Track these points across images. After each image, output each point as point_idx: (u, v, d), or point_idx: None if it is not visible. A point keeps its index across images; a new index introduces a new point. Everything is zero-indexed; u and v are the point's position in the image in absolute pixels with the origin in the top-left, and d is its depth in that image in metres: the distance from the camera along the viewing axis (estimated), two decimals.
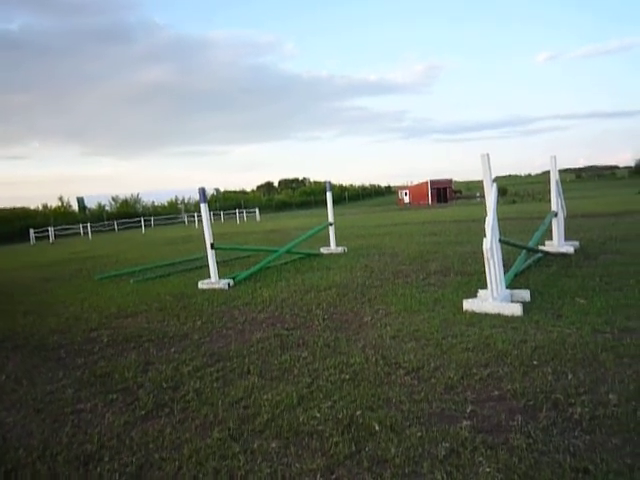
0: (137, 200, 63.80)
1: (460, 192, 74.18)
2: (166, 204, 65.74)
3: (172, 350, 4.54)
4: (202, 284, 7.69)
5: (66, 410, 3.37)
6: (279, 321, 5.27)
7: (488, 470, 2.27)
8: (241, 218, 45.79)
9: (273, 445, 2.65)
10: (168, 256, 13.04)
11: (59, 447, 2.84)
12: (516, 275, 6.12)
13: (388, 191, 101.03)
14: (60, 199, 58.39)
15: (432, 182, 68.05)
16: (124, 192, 63.75)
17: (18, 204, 55.73)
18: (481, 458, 2.37)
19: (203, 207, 7.86)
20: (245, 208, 51.65)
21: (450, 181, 73.75)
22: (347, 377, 3.51)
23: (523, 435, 2.54)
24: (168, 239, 23.01)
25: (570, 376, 3.20)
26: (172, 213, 57.29)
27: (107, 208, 58.54)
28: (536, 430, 2.58)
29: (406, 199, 69.56)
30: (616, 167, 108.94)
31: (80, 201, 59.68)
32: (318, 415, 2.95)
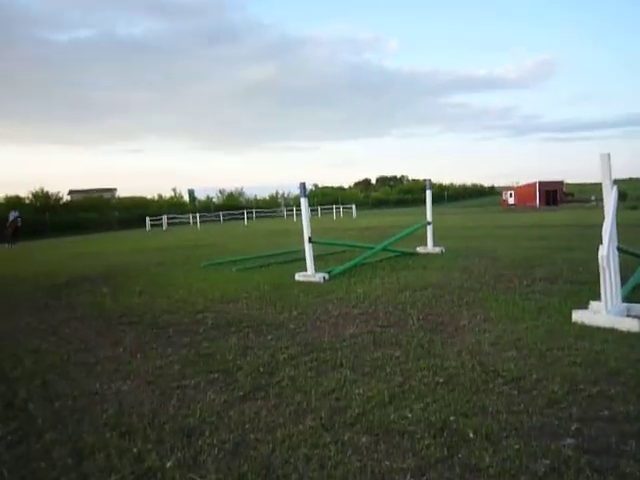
0: (241, 193, 67.15)
1: (572, 195, 68.88)
2: (267, 197, 68.48)
3: (269, 337, 4.73)
4: (299, 276, 7.91)
5: (172, 384, 3.65)
6: (372, 318, 5.28)
7: None
8: (337, 214, 46.33)
9: (363, 440, 2.67)
10: (268, 247, 13.58)
11: (166, 417, 3.09)
12: (635, 288, 5.57)
13: (491, 191, 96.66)
14: (173, 190, 63.22)
15: (541, 183, 63.97)
16: (230, 185, 67.41)
17: (137, 194, 61.23)
18: None
19: (303, 201, 8.07)
20: (342, 204, 52.16)
21: (561, 183, 68.86)
22: (441, 380, 3.43)
23: (637, 463, 2.32)
24: (268, 231, 23.98)
25: None
26: (272, 206, 59.60)
27: (214, 200, 62.28)
28: None
29: (511, 200, 66.03)
30: None
31: (191, 193, 64.19)
32: (409, 415, 2.91)
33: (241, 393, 3.41)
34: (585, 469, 2.29)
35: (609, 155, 4.89)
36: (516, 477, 2.26)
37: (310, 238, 7.98)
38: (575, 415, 2.82)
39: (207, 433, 2.84)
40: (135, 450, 2.68)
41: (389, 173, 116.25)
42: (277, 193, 69.62)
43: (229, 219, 47.11)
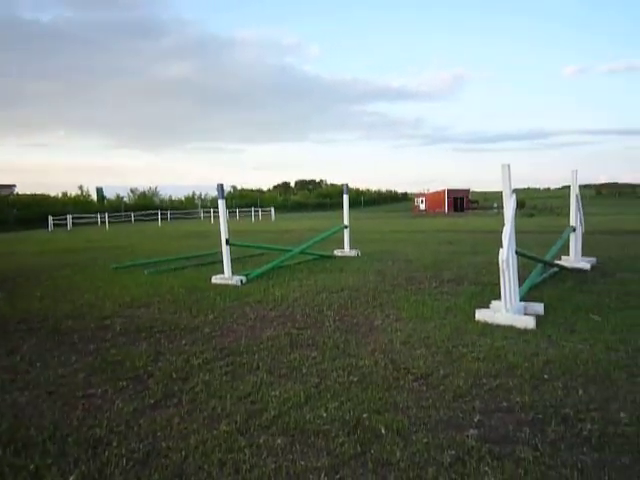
0: (155, 193, 64.53)
1: (477, 202, 73.62)
2: (183, 199, 66.38)
3: (183, 342, 4.58)
4: (215, 279, 7.75)
5: (77, 394, 3.42)
6: (290, 320, 5.29)
7: None
8: (256, 217, 46.01)
9: (279, 441, 2.66)
10: (183, 250, 13.16)
11: (69, 429, 2.88)
12: (531, 288, 6.07)
13: (404, 197, 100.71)
14: (80, 188, 59.26)
15: (449, 191, 67.73)
16: (143, 184, 64.54)
17: (40, 191, 56.67)
18: (487, 468, 2.35)
19: (221, 203, 7.93)
20: (261, 207, 51.87)
21: (467, 191, 73.35)
22: (355, 379, 3.51)
23: (530, 448, 2.52)
24: (183, 233, 23.22)
25: (581, 392, 3.17)
26: (189, 208, 57.79)
27: (125, 199, 59.25)
28: (544, 444, 2.56)
29: (422, 206, 69.28)
30: (638, 185, 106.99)
31: (99, 191, 60.47)
32: (325, 415, 2.96)
33: (152, 400, 3.27)
34: (486, 457, 2.45)
35: (509, 166, 5.29)
36: (424, 469, 2.37)
37: (227, 240, 7.84)
38: (478, 407, 3.01)
39: (115, 443, 2.69)
40: (32, 467, 2.48)
41: (308, 177, 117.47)
42: (194, 194, 67.76)
43: (142, 220, 45.03)
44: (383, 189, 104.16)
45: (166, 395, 3.35)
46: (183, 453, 2.57)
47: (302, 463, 2.44)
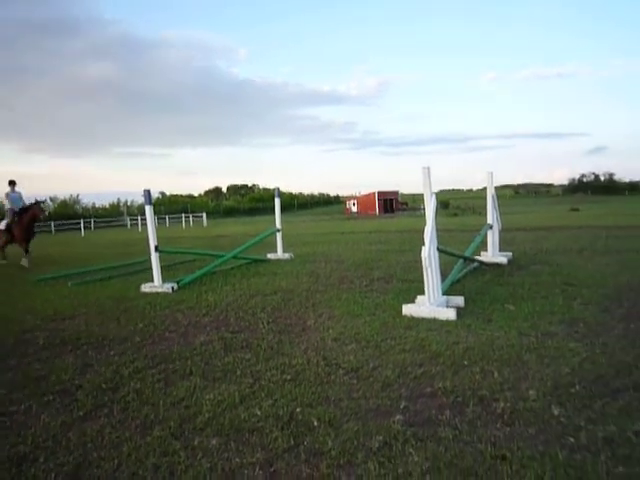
0: (76, 201, 61.36)
1: (406, 204, 76.20)
2: (107, 206, 63.53)
3: (112, 353, 4.46)
4: (145, 288, 7.56)
5: None
6: (223, 324, 5.29)
7: (417, 459, 2.43)
8: (187, 223, 44.93)
9: (214, 442, 2.70)
10: (109, 259, 12.65)
11: None
12: (453, 283, 6.44)
13: (337, 200, 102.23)
14: None
15: (379, 193, 69.65)
16: (63, 192, 61.09)
17: None
18: (411, 449, 2.53)
19: (148, 209, 7.74)
20: (192, 213, 50.71)
21: (397, 193, 75.75)
22: (289, 377, 3.61)
23: (450, 428, 2.73)
24: (109, 242, 22.25)
25: (496, 374, 3.45)
26: (114, 215, 55.38)
27: None
28: (462, 423, 2.78)
29: (354, 209, 70.72)
30: (551, 185, 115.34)
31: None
32: (259, 413, 3.02)
33: (81, 413, 3.18)
34: (410, 439, 2.63)
35: (429, 168, 5.61)
36: (354, 455, 2.50)
37: (157, 247, 7.67)
38: (404, 394, 3.20)
39: (41, 459, 2.61)
40: None
41: (240, 182, 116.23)
42: (119, 201, 65.03)
43: (63, 230, 42.61)
44: (316, 192, 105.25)
45: (96, 406, 3.27)
46: (116, 461, 2.54)
47: (237, 460, 2.50)
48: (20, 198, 12.26)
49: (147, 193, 7.84)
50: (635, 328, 4.44)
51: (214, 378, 3.68)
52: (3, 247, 12.60)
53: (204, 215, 47.05)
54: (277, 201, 11.47)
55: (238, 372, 3.78)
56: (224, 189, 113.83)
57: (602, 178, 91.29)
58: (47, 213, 14.03)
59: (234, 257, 9.80)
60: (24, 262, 11.78)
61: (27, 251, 11.94)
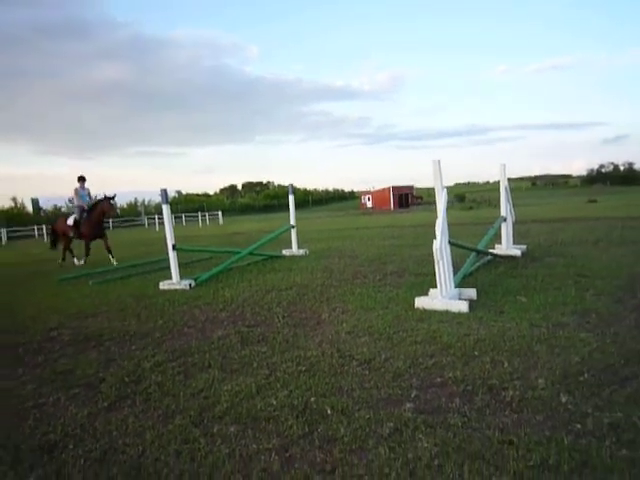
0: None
1: (421, 198, 75.76)
2: (125, 206, 64.38)
3: (133, 347, 4.63)
4: (163, 285, 7.74)
5: (27, 405, 3.44)
6: (240, 319, 5.44)
7: (426, 445, 2.53)
8: (203, 221, 45.37)
9: (232, 429, 2.83)
10: (129, 258, 12.92)
11: (22, 437, 2.93)
12: (465, 275, 6.49)
13: (351, 196, 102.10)
14: (13, 200, 56.32)
15: (394, 188, 69.33)
16: None
17: None
18: (421, 435, 2.63)
19: (165, 208, 7.92)
20: (208, 211, 51.17)
21: (412, 187, 75.32)
22: (304, 369, 3.72)
23: (459, 415, 2.82)
24: (128, 241, 22.63)
25: (506, 364, 3.52)
26: (132, 215, 56.15)
27: (63, 210, 56.79)
28: (471, 411, 2.87)
29: (369, 204, 70.56)
30: (569, 176, 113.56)
31: (35, 202, 57.71)
32: (275, 403, 3.15)
33: (106, 404, 3.34)
34: (421, 426, 2.72)
35: (439, 162, 5.66)
36: (366, 441, 2.61)
37: (174, 246, 7.85)
38: (415, 384, 3.30)
39: (71, 446, 2.77)
40: None
41: (255, 179, 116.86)
42: (136, 201, 65.88)
43: None
44: (330, 188, 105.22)
45: (119, 397, 3.43)
46: (140, 448, 2.69)
47: (254, 446, 2.62)
48: (88, 195, 12.16)
49: (164, 192, 8.02)
50: None
51: (231, 370, 3.82)
52: (67, 246, 12.60)
53: (220, 213, 47.44)
54: (291, 198, 11.59)
55: (254, 364, 3.91)
56: (239, 187, 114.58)
57: (621, 168, 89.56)
58: (118, 211, 13.86)
59: (250, 254, 9.95)
60: (79, 262, 11.99)
61: (88, 251, 11.85)
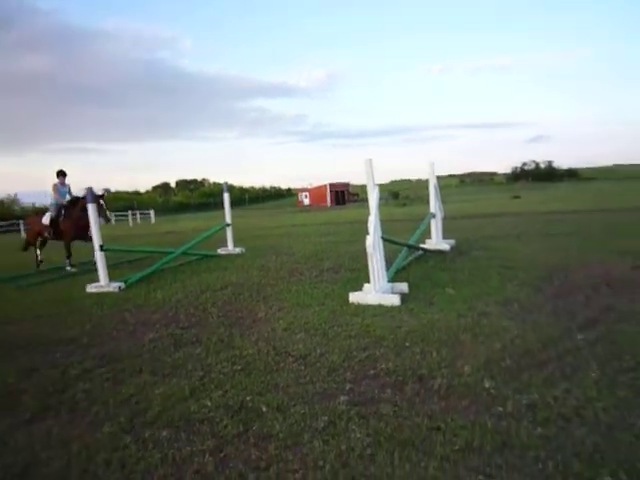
0: (15, 201, 58.25)
1: (357, 195, 76.99)
2: (48, 206, 60.65)
3: (58, 355, 4.40)
4: (91, 288, 7.40)
5: None
6: (173, 321, 5.30)
7: (359, 435, 2.60)
8: (134, 220, 43.68)
9: (164, 433, 2.77)
10: (56, 261, 12.20)
11: None
12: (398, 270, 6.70)
13: (289, 193, 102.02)
14: None
15: (331, 185, 70.06)
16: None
17: None
18: (354, 426, 2.69)
19: (91, 208, 7.57)
20: (139, 210, 49.29)
21: (348, 184, 76.43)
22: (239, 368, 3.70)
23: (391, 405, 2.92)
24: (51, 243, 21.35)
25: (435, 354, 3.68)
26: None
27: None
28: (402, 400, 2.97)
29: (306, 201, 70.86)
30: (495, 173, 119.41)
31: None
32: (209, 404, 3.11)
33: (27, 415, 3.15)
34: (354, 418, 2.79)
35: (371, 160, 5.80)
36: (301, 436, 2.64)
37: (102, 246, 7.52)
38: (349, 377, 3.37)
39: None
40: None
41: (190, 176, 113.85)
42: None
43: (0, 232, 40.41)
44: (267, 186, 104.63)
45: (43, 408, 3.25)
46: (65, 459, 2.57)
47: (188, 449, 2.58)
48: (69, 191, 10.62)
49: (89, 191, 7.65)
50: (563, 305, 4.81)
51: (164, 374, 3.72)
52: (41, 246, 11.00)
53: (152, 212, 45.83)
54: (226, 196, 11.43)
55: (188, 366, 3.83)
56: (173, 184, 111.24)
57: (542, 166, 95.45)
58: (109, 215, 10.64)
59: (183, 253, 9.72)
60: (71, 268, 10.21)
61: (70, 254, 10.36)
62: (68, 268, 10.20)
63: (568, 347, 3.63)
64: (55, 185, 10.55)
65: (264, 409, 2.96)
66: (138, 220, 44.33)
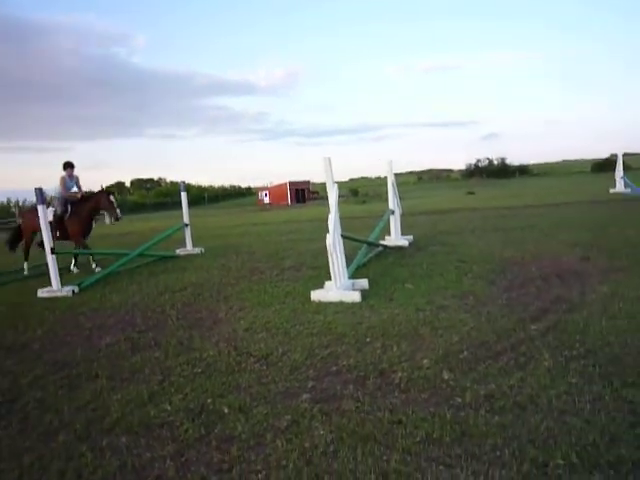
0: None
1: (317, 193, 77.08)
2: None
3: (8, 362, 4.21)
4: (42, 292, 7.10)
5: None
6: (130, 325, 5.16)
7: (322, 432, 2.60)
8: None
9: (123, 440, 2.69)
10: (6, 264, 11.65)
11: None
12: (358, 267, 6.75)
13: (249, 192, 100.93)
14: None
15: (291, 183, 69.86)
16: None
17: None
18: (317, 424, 2.70)
19: (41, 209, 7.25)
20: None
21: (308, 182, 76.42)
22: (199, 370, 3.64)
23: (353, 400, 2.94)
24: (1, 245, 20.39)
25: (395, 348, 3.73)
26: (3, 217, 50.64)
27: None
28: (364, 395, 3.01)
29: (266, 200, 70.38)
30: (451, 170, 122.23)
31: None
32: (169, 408, 3.05)
33: None
34: (317, 415, 2.80)
35: (330, 159, 5.82)
36: (264, 436, 2.63)
37: (53, 249, 7.23)
38: (311, 375, 3.38)
39: None
40: None
41: (146, 175, 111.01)
42: (9, 201, 59.49)
43: None
44: (227, 184, 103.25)
45: None
46: (17, 472, 2.46)
47: (147, 455, 2.52)
48: (77, 185, 9.51)
49: (39, 192, 7.33)
50: (516, 297, 4.97)
51: (122, 379, 3.62)
52: (29, 246, 9.76)
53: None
54: (183, 195, 11.23)
55: (147, 370, 3.74)
56: (128, 184, 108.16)
57: (495, 162, 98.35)
58: (119, 212, 9.55)
59: (140, 255, 9.48)
60: (75, 269, 9.39)
61: (77, 257, 9.48)
62: (95, 267, 9.14)
63: (522, 337, 3.76)
64: (63, 178, 9.32)
65: (226, 411, 2.92)
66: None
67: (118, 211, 9.28)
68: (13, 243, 10.45)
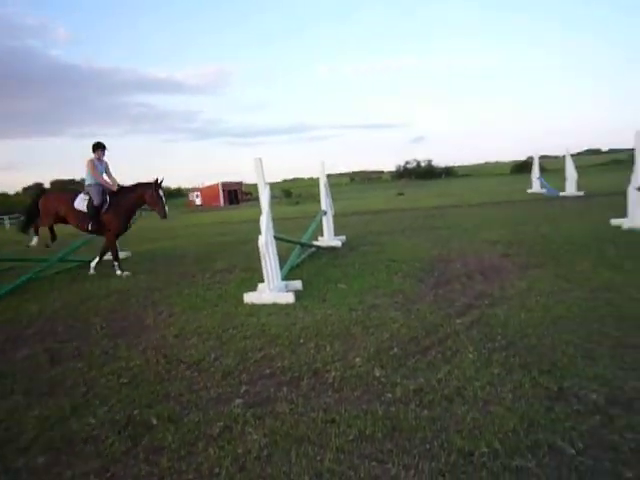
0: None
1: (250, 194, 76.32)
2: None
3: None
4: None
5: None
6: (50, 335, 4.84)
7: (256, 437, 2.57)
8: (1, 226, 39.26)
9: (41, 460, 2.51)
10: None
11: None
12: (292, 268, 6.75)
13: (179, 193, 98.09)
14: None
15: (224, 184, 68.73)
16: None
17: None
18: (250, 429, 2.66)
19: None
20: (7, 214, 44.36)
21: (241, 183, 75.54)
22: (126, 381, 3.48)
23: (287, 402, 2.93)
24: None
25: (328, 348, 3.76)
26: None
27: None
28: (298, 397, 3.00)
29: (197, 201, 68.74)
30: (382, 172, 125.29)
31: None
32: (93, 421, 2.88)
33: None
34: (250, 420, 2.76)
35: (261, 159, 5.77)
36: (195, 444, 2.55)
37: None
38: (244, 379, 3.33)
39: None
40: None
41: (67, 177, 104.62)
42: None
43: None
44: None
45: None
46: None
47: (69, 472, 2.37)
48: (107, 171, 8.20)
49: None
50: (442, 294, 5.17)
51: (40, 393, 3.39)
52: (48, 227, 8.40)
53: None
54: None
55: (68, 383, 3.52)
56: (47, 185, 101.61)
57: (423, 164, 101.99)
58: (166, 208, 8.08)
59: (61, 260, 8.93)
60: (122, 273, 7.91)
61: (116, 256, 8.19)
62: (119, 272, 7.94)
63: (448, 332, 3.92)
64: (91, 161, 7.97)
65: (154, 421, 2.81)
66: (6, 225, 39.90)
67: (166, 208, 8.02)
68: (27, 225, 8.95)
